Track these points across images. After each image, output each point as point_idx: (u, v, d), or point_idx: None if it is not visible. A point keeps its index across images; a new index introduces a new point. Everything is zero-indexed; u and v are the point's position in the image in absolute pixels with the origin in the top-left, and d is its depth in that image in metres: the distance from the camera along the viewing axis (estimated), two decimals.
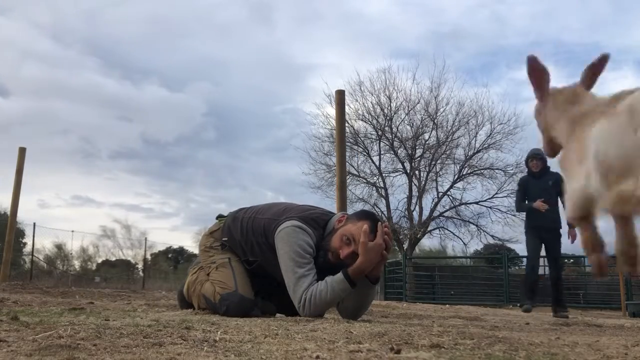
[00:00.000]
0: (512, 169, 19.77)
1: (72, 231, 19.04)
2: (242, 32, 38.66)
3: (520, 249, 21.25)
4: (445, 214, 20.34)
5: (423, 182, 20.30)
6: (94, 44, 39.67)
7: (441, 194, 20.28)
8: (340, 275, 2.57)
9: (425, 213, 20.14)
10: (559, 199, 6.35)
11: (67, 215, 39.43)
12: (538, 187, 6.47)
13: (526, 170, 6.87)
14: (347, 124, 17.75)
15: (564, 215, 5.81)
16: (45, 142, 36.76)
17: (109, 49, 40.53)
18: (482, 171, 20.19)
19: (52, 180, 43.68)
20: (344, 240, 2.62)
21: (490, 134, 20.19)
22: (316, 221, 2.70)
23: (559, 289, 6.17)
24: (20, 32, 36.91)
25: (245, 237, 2.81)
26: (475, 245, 22.00)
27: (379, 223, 2.63)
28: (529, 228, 6.45)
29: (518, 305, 6.54)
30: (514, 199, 7.10)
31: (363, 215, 2.72)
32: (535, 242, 6.34)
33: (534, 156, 6.56)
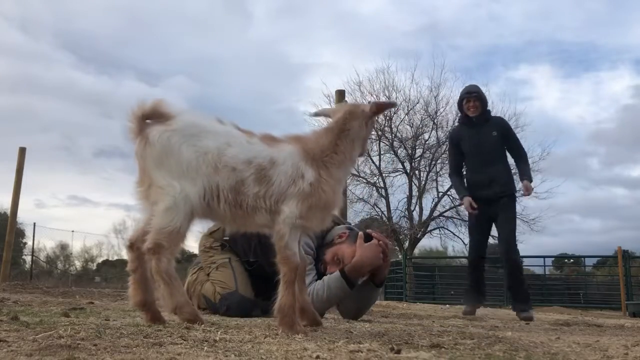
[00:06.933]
0: (512, 169, 19.73)
1: (73, 231, 19.06)
2: (227, 28, 38.29)
3: (521, 248, 21.21)
4: (446, 214, 20.31)
5: (423, 182, 20.28)
6: (65, 37, 39.14)
7: (441, 193, 20.25)
8: (337, 273, 2.58)
9: (425, 213, 20.11)
10: (506, 154, 4.82)
11: (65, 216, 39.35)
12: (477, 139, 4.69)
13: (459, 117, 5.01)
14: None
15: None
16: (30, 141, 36.17)
17: (80, 41, 39.97)
18: None
19: (47, 179, 43.47)
20: (334, 260, 2.67)
21: None
22: None
23: (517, 280, 4.49)
24: None
25: (247, 236, 2.81)
26: None
27: (373, 233, 2.69)
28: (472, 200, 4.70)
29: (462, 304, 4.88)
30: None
31: (365, 238, 2.74)
32: (477, 221, 4.67)
33: (470, 95, 4.73)
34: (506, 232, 4.57)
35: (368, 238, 2.68)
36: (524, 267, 4.96)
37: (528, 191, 4.73)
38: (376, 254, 2.61)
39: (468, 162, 4.84)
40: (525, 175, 4.74)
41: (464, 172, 4.96)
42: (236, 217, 1.95)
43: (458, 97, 4.96)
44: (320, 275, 2.72)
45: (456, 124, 5.12)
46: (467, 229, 20.04)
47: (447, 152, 5.17)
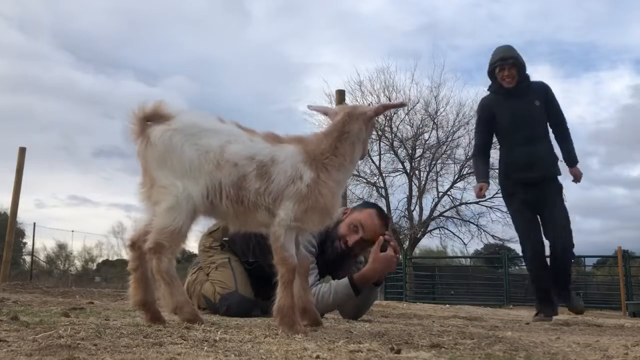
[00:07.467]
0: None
1: (73, 231, 19.01)
2: (226, 28, 38.15)
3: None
4: (446, 214, 20.31)
5: (423, 182, 20.28)
6: (64, 37, 39.10)
7: (441, 193, 20.26)
8: (345, 280, 2.58)
9: (425, 213, 20.12)
10: (548, 126, 3.95)
11: (65, 216, 39.29)
12: (516, 111, 3.88)
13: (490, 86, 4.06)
14: None
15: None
16: (30, 140, 36.06)
17: (79, 41, 39.97)
18: None
19: (47, 179, 43.39)
20: (351, 228, 2.66)
21: None
22: None
23: (566, 282, 3.85)
24: None
25: (246, 237, 2.81)
26: (475, 245, 21.98)
27: (391, 242, 2.65)
28: (508, 186, 3.99)
29: (535, 315, 4.00)
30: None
31: (367, 204, 2.75)
32: (525, 212, 3.87)
33: (505, 62, 3.83)
34: (560, 225, 3.80)
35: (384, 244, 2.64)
36: (525, 267, 4.28)
37: (578, 178, 3.95)
38: (390, 267, 2.61)
39: (505, 138, 4.05)
40: (572, 157, 3.99)
41: (500, 151, 4.19)
42: (238, 213, 1.93)
43: (488, 65, 3.97)
44: (337, 255, 2.69)
45: (487, 92, 4.08)
46: (467, 229, 20.06)
47: (475, 126, 4.20)
